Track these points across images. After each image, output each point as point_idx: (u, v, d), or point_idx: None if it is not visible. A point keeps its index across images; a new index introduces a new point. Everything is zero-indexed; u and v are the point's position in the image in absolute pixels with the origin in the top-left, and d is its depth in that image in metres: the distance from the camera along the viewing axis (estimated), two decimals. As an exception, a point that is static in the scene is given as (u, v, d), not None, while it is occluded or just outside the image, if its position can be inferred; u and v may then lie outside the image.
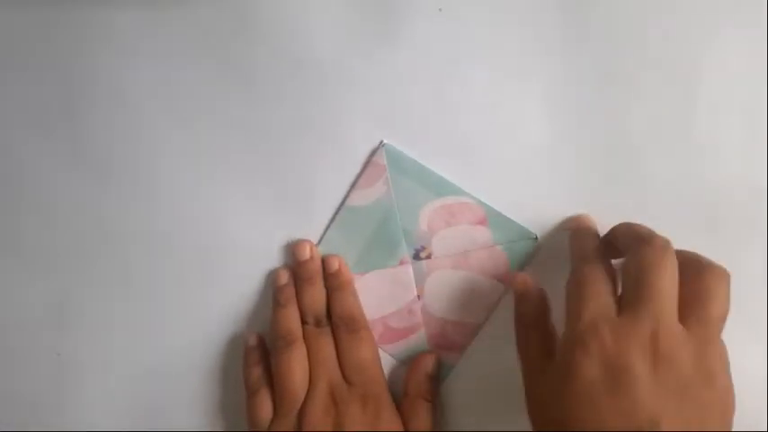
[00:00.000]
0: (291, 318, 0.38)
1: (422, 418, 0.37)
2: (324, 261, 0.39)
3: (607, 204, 0.38)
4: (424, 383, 0.38)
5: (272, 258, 0.40)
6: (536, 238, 0.38)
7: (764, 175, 0.37)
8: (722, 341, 0.31)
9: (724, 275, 0.31)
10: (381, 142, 0.38)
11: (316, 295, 0.38)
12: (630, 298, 0.30)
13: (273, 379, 0.38)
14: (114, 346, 0.41)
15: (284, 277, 0.39)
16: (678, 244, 0.37)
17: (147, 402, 0.41)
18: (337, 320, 0.38)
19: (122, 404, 0.41)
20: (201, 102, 0.39)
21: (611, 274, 0.33)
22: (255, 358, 0.39)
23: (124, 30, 0.39)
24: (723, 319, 0.31)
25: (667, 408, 0.28)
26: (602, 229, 0.37)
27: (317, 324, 0.38)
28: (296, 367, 0.37)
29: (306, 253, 0.38)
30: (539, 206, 0.38)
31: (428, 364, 0.38)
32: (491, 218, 0.38)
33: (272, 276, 0.39)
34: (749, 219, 0.37)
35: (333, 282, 0.38)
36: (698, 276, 0.31)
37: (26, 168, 0.41)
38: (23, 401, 0.42)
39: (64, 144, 0.40)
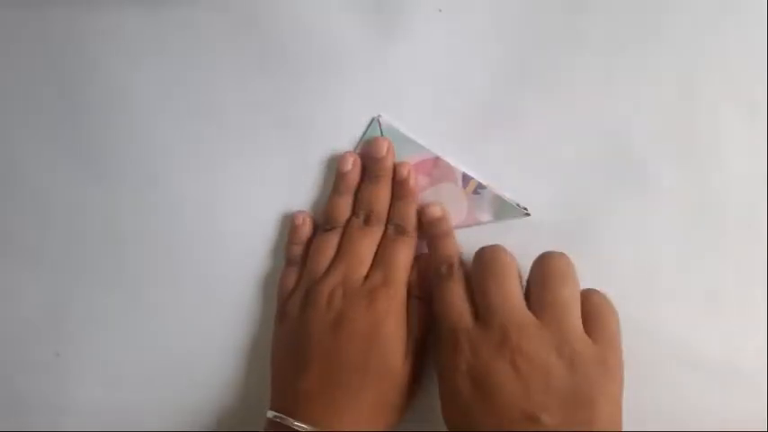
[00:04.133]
0: (341, 207, 0.38)
1: (419, 316, 0.37)
2: (395, 167, 0.38)
3: (608, 204, 0.38)
4: (419, 280, 0.38)
5: (272, 260, 0.40)
6: (526, 210, 0.38)
7: (764, 175, 0.37)
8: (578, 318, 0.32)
9: (562, 257, 0.34)
10: (377, 117, 0.38)
11: (379, 193, 0.38)
12: (478, 309, 0.34)
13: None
14: (114, 346, 0.41)
15: (348, 164, 0.38)
16: (678, 244, 0.37)
17: (147, 402, 0.41)
18: (390, 223, 0.38)
19: (122, 404, 0.41)
20: (201, 101, 0.39)
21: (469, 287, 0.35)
22: (297, 237, 0.39)
23: (124, 30, 0.39)
24: (573, 297, 0.33)
25: (542, 401, 0.31)
26: (600, 230, 0.37)
27: (366, 221, 0.38)
28: (324, 251, 0.37)
29: (383, 150, 0.37)
30: (537, 205, 0.38)
31: (435, 210, 0.38)
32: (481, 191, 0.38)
33: (336, 162, 0.38)
34: (749, 218, 0.37)
35: (398, 190, 0.38)
36: (539, 265, 0.34)
37: (26, 168, 0.41)
38: (23, 401, 0.42)
39: (63, 144, 0.40)
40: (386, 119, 0.38)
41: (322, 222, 0.39)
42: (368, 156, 0.38)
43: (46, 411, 0.41)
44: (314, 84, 0.38)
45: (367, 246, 0.37)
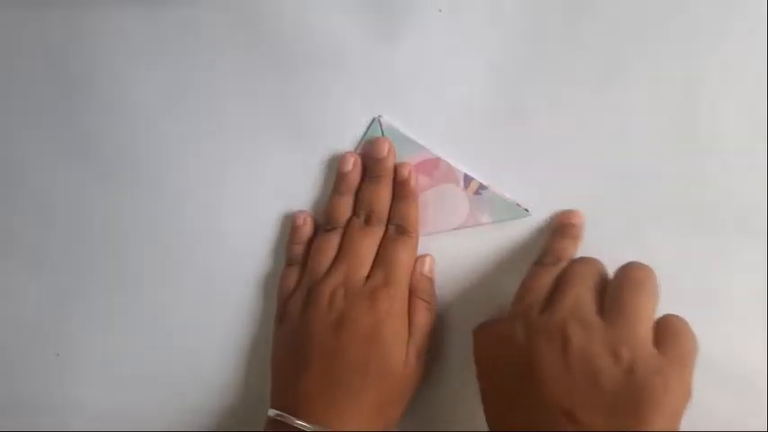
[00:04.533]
0: (342, 208, 0.38)
1: (419, 317, 0.37)
2: (396, 167, 0.38)
3: (608, 204, 0.38)
4: (421, 282, 0.38)
5: (273, 259, 0.40)
6: (527, 211, 0.38)
7: (765, 175, 0.37)
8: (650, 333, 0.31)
9: (644, 268, 0.33)
10: (378, 117, 0.38)
11: (380, 193, 0.38)
12: (549, 303, 0.33)
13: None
14: (113, 346, 0.41)
15: (349, 164, 0.38)
16: (678, 243, 0.37)
17: (147, 402, 0.41)
18: (391, 223, 0.38)
19: (121, 404, 0.41)
20: (202, 101, 0.39)
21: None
22: (298, 237, 0.39)
23: (124, 30, 0.39)
24: (647, 306, 0.31)
25: (586, 400, 0.29)
26: (600, 230, 0.37)
27: (367, 221, 0.38)
28: (325, 251, 0.38)
29: (384, 150, 0.37)
30: (537, 205, 0.38)
31: (424, 264, 0.38)
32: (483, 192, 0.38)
33: (337, 162, 0.39)
34: (749, 218, 0.37)
35: (399, 190, 0.38)
36: (618, 273, 0.33)
37: (26, 168, 0.41)
38: (23, 401, 0.42)
39: (63, 144, 0.40)
40: (387, 119, 0.38)
41: (323, 222, 0.39)
42: (369, 156, 0.38)
43: (46, 411, 0.41)
44: (314, 84, 0.38)
45: (368, 246, 0.37)
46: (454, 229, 0.38)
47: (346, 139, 0.39)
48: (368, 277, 0.37)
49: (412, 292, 0.37)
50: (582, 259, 0.35)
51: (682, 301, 0.37)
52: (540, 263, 0.36)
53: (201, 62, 0.39)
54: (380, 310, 0.35)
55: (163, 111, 0.39)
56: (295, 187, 0.39)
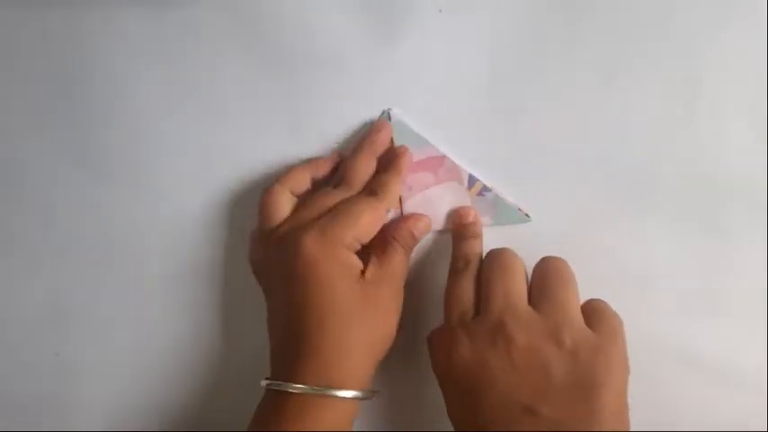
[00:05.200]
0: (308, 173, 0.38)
1: (395, 259, 0.35)
2: (395, 147, 0.38)
3: (608, 205, 0.38)
4: (406, 237, 0.36)
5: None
6: (528, 217, 0.38)
7: (765, 175, 0.37)
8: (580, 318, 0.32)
9: (560, 261, 0.34)
10: (388, 110, 0.38)
11: (360, 162, 0.37)
12: (481, 302, 0.34)
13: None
14: (113, 346, 0.41)
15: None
16: (678, 243, 0.37)
17: (147, 402, 0.41)
18: (368, 186, 0.37)
19: (121, 404, 0.41)
20: (202, 101, 0.39)
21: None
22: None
23: (124, 30, 0.39)
24: (573, 294, 0.33)
25: (540, 393, 0.30)
26: (600, 230, 0.37)
27: (335, 187, 0.37)
28: (280, 201, 0.36)
29: (379, 127, 0.38)
30: (537, 205, 0.38)
31: (418, 224, 0.37)
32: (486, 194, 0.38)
33: None
34: (749, 218, 0.37)
35: (387, 163, 0.37)
36: (539, 268, 0.34)
37: (25, 168, 0.41)
38: (22, 402, 0.42)
39: (63, 144, 0.40)
40: (396, 112, 0.38)
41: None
42: (366, 134, 0.38)
43: (46, 411, 0.41)
44: (314, 84, 0.38)
45: (322, 199, 0.36)
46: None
47: (347, 139, 0.39)
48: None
49: (393, 237, 0.36)
50: (496, 253, 0.35)
51: (682, 301, 0.38)
52: (453, 270, 0.36)
53: (202, 62, 0.39)
54: (306, 252, 0.33)
55: (163, 111, 0.39)
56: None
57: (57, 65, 0.40)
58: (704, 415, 0.37)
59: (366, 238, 0.35)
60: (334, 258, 0.33)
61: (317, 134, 0.39)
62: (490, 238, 0.38)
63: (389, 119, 0.38)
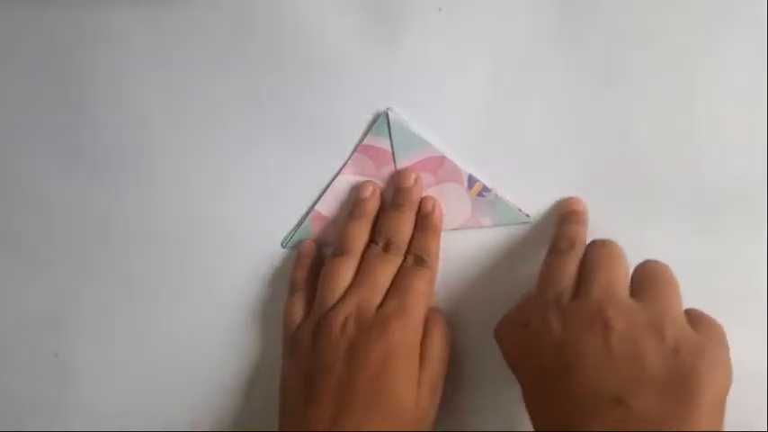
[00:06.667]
0: (358, 232, 0.37)
1: (435, 340, 0.35)
2: (422, 200, 0.38)
3: (608, 205, 0.38)
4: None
5: (274, 257, 0.40)
6: (528, 217, 0.38)
7: (764, 175, 0.37)
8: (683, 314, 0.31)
9: (665, 266, 0.33)
10: (386, 110, 0.38)
11: (402, 222, 0.37)
12: (580, 287, 0.32)
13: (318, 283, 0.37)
14: (112, 347, 0.41)
15: (368, 191, 0.38)
16: (678, 243, 0.37)
17: (147, 402, 0.41)
18: (410, 253, 0.37)
19: (121, 404, 0.41)
20: (201, 101, 0.39)
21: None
22: (304, 263, 0.38)
23: (124, 29, 0.39)
24: (677, 293, 0.32)
25: (633, 384, 0.29)
26: (600, 230, 0.37)
27: (386, 249, 0.36)
28: (340, 274, 0.36)
29: (410, 180, 0.37)
30: (537, 205, 0.38)
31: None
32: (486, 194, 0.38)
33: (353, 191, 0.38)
34: (749, 219, 0.37)
35: (422, 222, 0.37)
36: (641, 268, 0.33)
37: (26, 168, 0.41)
38: (21, 402, 0.42)
39: (63, 143, 0.40)
40: (395, 112, 0.38)
41: (335, 247, 0.38)
42: (394, 185, 0.38)
43: (46, 411, 0.41)
44: (314, 84, 0.38)
45: (384, 273, 0.36)
46: (454, 228, 0.38)
47: (346, 140, 0.39)
48: (381, 306, 0.35)
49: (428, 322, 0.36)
50: (602, 242, 0.34)
51: (682, 302, 0.37)
52: (556, 250, 0.35)
53: (201, 62, 0.39)
54: (391, 341, 0.33)
55: (162, 111, 0.39)
56: (294, 186, 0.39)
57: (57, 65, 0.40)
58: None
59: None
60: (411, 351, 0.34)
61: (316, 134, 0.39)
62: (490, 238, 0.38)
63: (387, 119, 0.38)
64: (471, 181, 0.38)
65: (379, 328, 0.34)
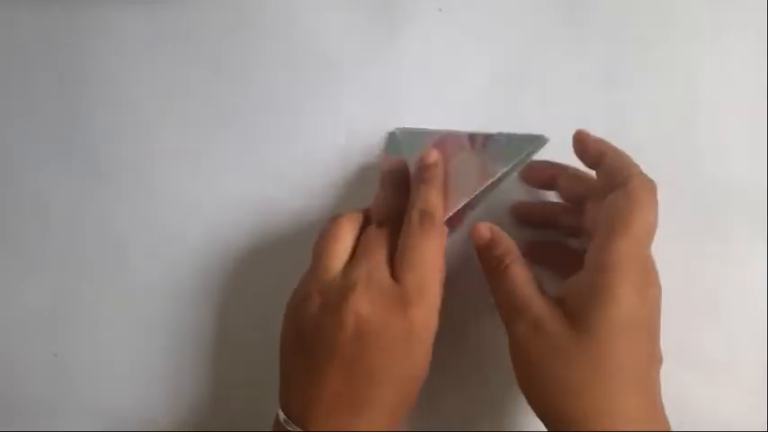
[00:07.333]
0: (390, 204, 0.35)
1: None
2: (424, 153, 0.35)
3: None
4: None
5: (275, 257, 0.40)
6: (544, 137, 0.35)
7: (765, 175, 0.37)
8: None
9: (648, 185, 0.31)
10: (394, 131, 0.37)
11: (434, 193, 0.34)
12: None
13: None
14: (112, 347, 0.41)
15: (432, 157, 0.35)
16: (678, 243, 0.37)
17: (146, 403, 0.41)
18: (412, 213, 0.33)
19: (121, 404, 0.41)
20: (201, 101, 0.39)
21: None
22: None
23: (124, 29, 0.39)
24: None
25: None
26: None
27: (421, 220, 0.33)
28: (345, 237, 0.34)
29: (432, 157, 0.35)
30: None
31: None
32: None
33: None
34: (749, 219, 0.37)
35: (424, 174, 0.35)
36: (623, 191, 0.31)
37: (25, 168, 0.41)
38: (20, 402, 0.42)
39: (62, 144, 0.40)
40: (401, 130, 0.38)
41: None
42: (420, 164, 0.35)
43: (45, 411, 0.41)
44: (314, 83, 0.38)
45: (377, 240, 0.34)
46: (472, 197, 0.34)
47: (345, 138, 0.39)
48: (396, 278, 0.32)
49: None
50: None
51: (682, 302, 0.37)
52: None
53: (200, 62, 0.39)
54: (416, 323, 0.31)
55: (161, 111, 0.39)
56: (294, 186, 0.39)
57: (55, 65, 0.40)
58: (704, 415, 0.37)
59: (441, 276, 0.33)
60: (432, 330, 0.32)
61: (316, 133, 0.39)
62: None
63: (397, 138, 0.37)
64: (472, 139, 0.35)
65: (400, 309, 0.31)
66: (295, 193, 0.39)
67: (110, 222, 0.40)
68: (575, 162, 0.38)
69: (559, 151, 0.38)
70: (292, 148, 0.39)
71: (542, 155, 0.38)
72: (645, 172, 0.37)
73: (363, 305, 0.31)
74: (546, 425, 0.30)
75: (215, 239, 0.40)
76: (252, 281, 0.40)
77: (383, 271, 0.32)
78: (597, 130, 0.37)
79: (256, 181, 0.39)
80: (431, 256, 0.32)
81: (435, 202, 0.34)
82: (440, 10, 0.37)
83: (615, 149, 0.33)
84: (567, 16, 0.37)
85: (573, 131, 0.37)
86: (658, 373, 0.31)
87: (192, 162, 0.40)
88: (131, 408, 0.41)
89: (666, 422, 0.30)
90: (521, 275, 0.32)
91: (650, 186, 0.31)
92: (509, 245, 0.33)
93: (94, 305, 0.41)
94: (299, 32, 0.38)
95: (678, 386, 0.37)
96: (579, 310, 0.30)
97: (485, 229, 0.34)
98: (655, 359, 0.32)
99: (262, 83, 0.39)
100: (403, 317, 0.31)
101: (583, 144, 0.34)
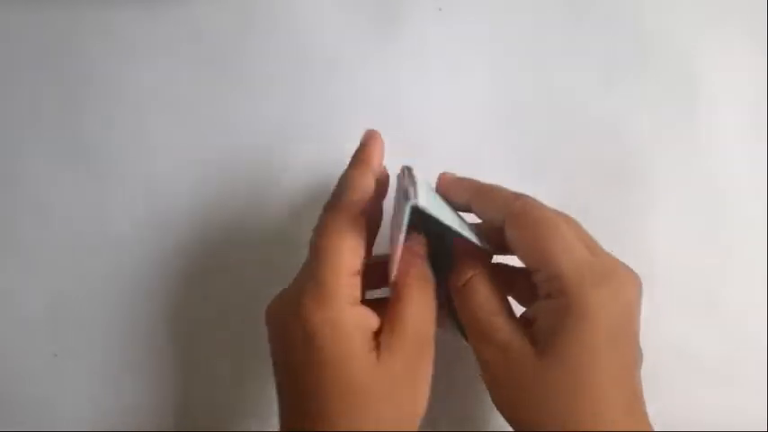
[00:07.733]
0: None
1: (412, 309, 0.28)
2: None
3: (608, 205, 0.38)
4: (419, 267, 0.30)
5: (275, 255, 0.40)
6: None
7: (764, 175, 0.37)
8: None
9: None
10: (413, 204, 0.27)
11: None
12: None
13: None
14: (112, 347, 0.41)
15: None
16: (678, 243, 0.37)
17: (146, 403, 0.41)
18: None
19: (121, 404, 0.41)
20: (200, 101, 0.39)
21: None
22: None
23: (123, 29, 0.39)
24: None
25: None
26: (601, 231, 0.37)
27: None
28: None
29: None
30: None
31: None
32: None
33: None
34: (749, 219, 0.37)
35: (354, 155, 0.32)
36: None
37: (24, 167, 0.41)
38: (20, 402, 0.42)
39: (62, 143, 0.40)
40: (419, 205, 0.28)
41: None
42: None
43: (45, 411, 0.41)
44: (313, 83, 0.38)
45: None
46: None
47: (345, 138, 0.39)
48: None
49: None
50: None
51: (682, 302, 0.38)
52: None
53: (199, 62, 0.39)
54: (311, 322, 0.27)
55: (161, 110, 0.39)
56: (293, 186, 0.39)
57: (55, 65, 0.40)
58: (704, 415, 0.37)
59: (354, 264, 0.28)
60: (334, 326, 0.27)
61: (316, 133, 0.39)
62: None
63: (419, 209, 0.26)
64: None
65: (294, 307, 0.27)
66: (293, 190, 0.39)
67: (111, 222, 0.40)
68: (582, 163, 0.38)
69: (560, 151, 0.38)
70: (291, 148, 0.39)
71: (545, 153, 0.38)
72: (634, 173, 0.37)
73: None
74: None
75: (217, 238, 0.40)
76: (253, 281, 0.40)
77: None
78: (597, 130, 0.37)
79: (256, 180, 0.40)
80: (322, 248, 0.28)
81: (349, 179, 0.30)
82: (440, 10, 0.37)
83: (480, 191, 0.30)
84: (567, 16, 0.37)
85: (573, 131, 0.37)
86: (640, 371, 0.29)
87: (192, 161, 0.40)
88: (130, 408, 0.41)
89: (648, 423, 0.28)
90: (483, 292, 0.29)
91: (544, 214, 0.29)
92: (474, 252, 0.30)
93: (95, 305, 0.41)
94: (299, 33, 0.38)
95: (678, 386, 0.37)
96: (550, 334, 0.27)
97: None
98: (637, 362, 0.29)
99: (261, 83, 0.39)
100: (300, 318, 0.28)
101: (446, 188, 0.31)
